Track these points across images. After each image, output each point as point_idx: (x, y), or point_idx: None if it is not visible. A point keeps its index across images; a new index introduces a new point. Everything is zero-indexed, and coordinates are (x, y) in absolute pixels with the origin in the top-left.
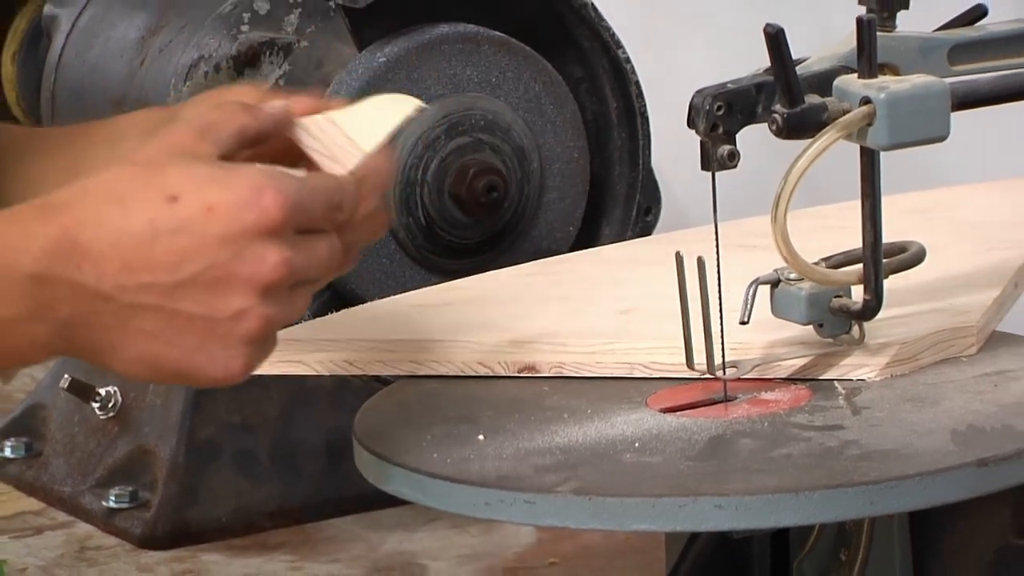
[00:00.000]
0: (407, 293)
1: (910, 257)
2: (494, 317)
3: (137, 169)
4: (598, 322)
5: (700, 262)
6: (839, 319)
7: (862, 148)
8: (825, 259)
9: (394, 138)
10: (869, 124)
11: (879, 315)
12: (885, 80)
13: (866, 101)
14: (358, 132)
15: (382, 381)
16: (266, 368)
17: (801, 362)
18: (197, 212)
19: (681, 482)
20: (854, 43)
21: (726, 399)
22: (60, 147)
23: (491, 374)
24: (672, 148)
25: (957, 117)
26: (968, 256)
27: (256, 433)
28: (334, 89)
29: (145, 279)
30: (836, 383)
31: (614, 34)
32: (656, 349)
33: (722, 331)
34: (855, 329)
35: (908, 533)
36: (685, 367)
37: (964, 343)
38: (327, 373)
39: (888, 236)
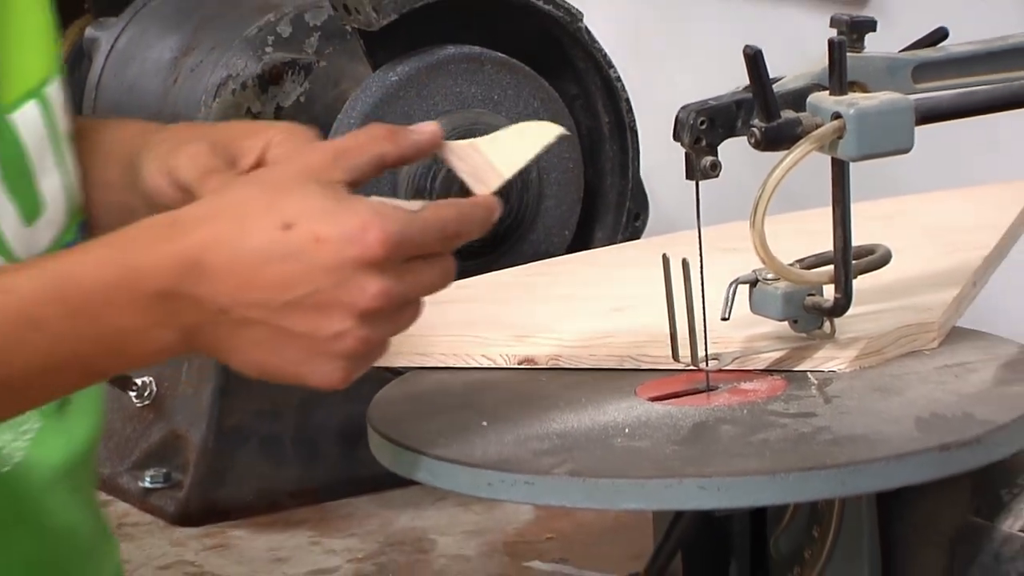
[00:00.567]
0: None
1: (877, 259)
2: (496, 313)
3: (262, 192)
4: (592, 318)
5: (685, 263)
6: (812, 315)
7: (833, 159)
8: (799, 260)
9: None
10: (840, 137)
11: (848, 312)
12: (854, 97)
13: (837, 116)
14: (499, 158)
15: (394, 372)
16: None
17: (777, 355)
18: (307, 242)
19: (667, 465)
20: (826, 63)
21: (708, 389)
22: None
23: (493, 365)
24: (659, 159)
25: (920, 130)
26: (930, 258)
27: (279, 420)
28: (350, 105)
29: (256, 297)
30: (809, 374)
31: (606, 55)
32: (645, 343)
33: (705, 326)
34: (827, 325)
35: (875, 512)
36: (671, 359)
37: (927, 337)
38: None
39: (857, 240)
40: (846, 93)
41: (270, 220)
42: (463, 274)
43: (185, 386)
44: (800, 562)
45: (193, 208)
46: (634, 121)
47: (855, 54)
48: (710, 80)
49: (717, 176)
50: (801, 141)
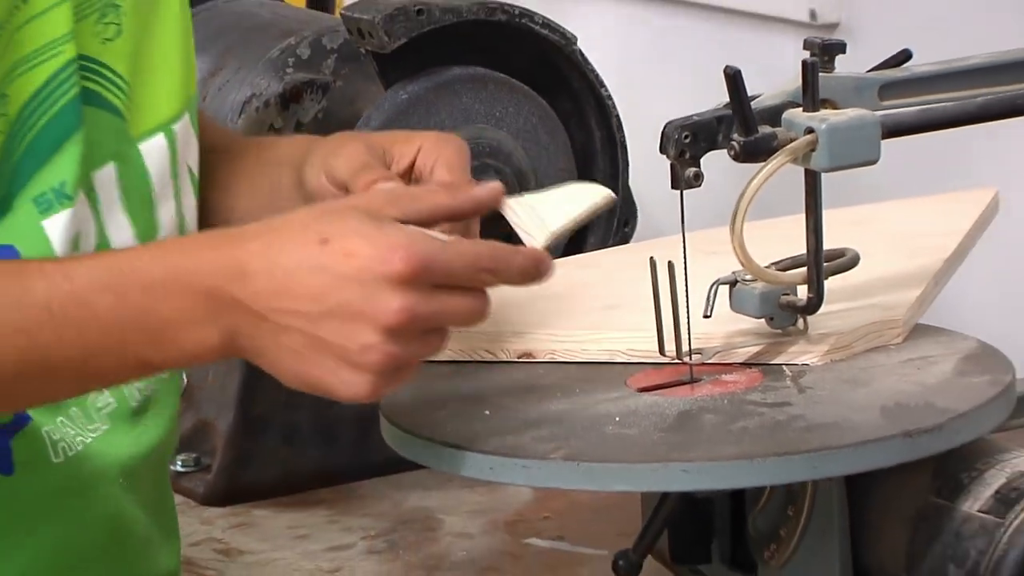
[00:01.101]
0: None
1: (846, 261)
2: (498, 311)
3: (309, 214)
4: (585, 316)
5: (670, 266)
6: (787, 313)
7: (806, 170)
8: (775, 263)
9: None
10: (812, 150)
11: (820, 310)
12: (825, 113)
13: (810, 131)
14: (550, 214)
15: None
16: None
17: (755, 349)
18: (339, 256)
19: (654, 450)
20: (799, 82)
21: (692, 380)
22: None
23: (495, 359)
24: (647, 171)
25: (886, 143)
26: (895, 260)
27: (299, 410)
28: (364, 121)
29: (290, 305)
30: (784, 367)
31: (598, 76)
32: (634, 338)
33: (688, 323)
34: (800, 322)
35: (845, 493)
36: (658, 353)
37: (892, 333)
38: None
39: (828, 244)
40: (818, 110)
41: (309, 235)
42: None
43: (213, 379)
44: (776, 539)
45: (252, 225)
46: (623, 136)
47: (826, 74)
48: (693, 98)
49: (700, 186)
50: (777, 154)
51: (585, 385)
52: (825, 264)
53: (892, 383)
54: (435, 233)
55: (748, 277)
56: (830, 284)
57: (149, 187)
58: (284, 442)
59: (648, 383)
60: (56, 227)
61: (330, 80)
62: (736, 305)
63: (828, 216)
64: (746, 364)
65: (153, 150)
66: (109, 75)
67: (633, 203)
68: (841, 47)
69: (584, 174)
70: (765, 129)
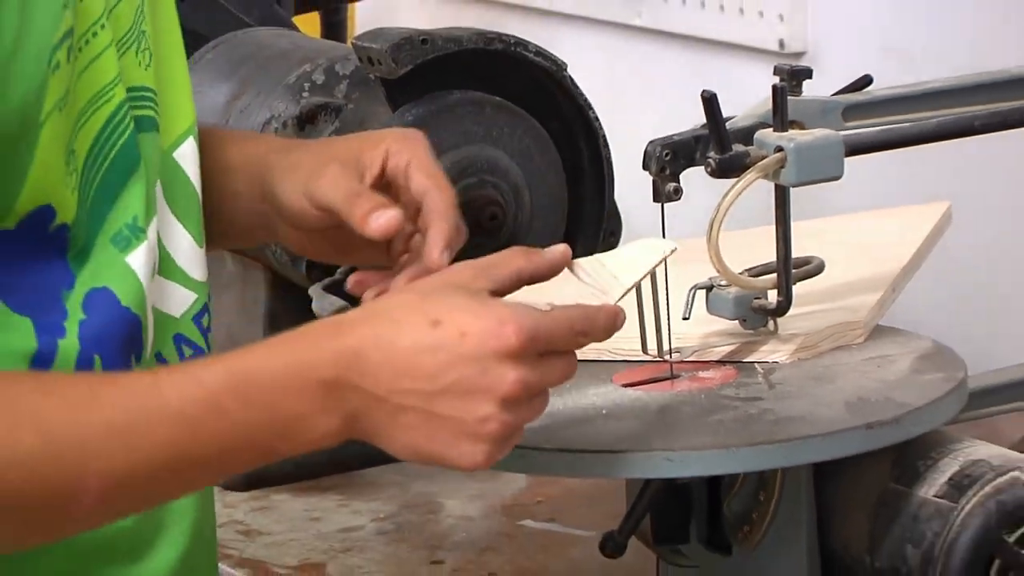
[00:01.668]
0: None
1: (812, 268)
2: None
3: (415, 298)
4: None
5: (652, 272)
6: (758, 316)
7: (776, 185)
8: (748, 270)
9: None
10: (782, 167)
11: (789, 313)
12: (794, 133)
13: (779, 149)
14: (621, 270)
15: None
16: None
17: (729, 348)
18: (453, 335)
19: (638, 440)
20: (770, 105)
21: (672, 377)
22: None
23: None
24: (631, 185)
25: (849, 160)
26: (856, 268)
27: None
28: None
29: (410, 386)
30: (756, 365)
31: (586, 99)
32: (619, 338)
33: (669, 324)
34: (771, 323)
35: (811, 480)
36: (641, 352)
37: (854, 334)
38: None
39: (795, 252)
40: (787, 130)
41: (421, 318)
42: None
43: None
44: (749, 522)
45: (353, 312)
46: (609, 154)
47: (794, 98)
48: (673, 119)
49: (679, 199)
50: (749, 170)
51: (575, 381)
52: (793, 271)
53: (854, 379)
54: (530, 303)
55: (723, 283)
56: (798, 289)
57: (193, 191)
58: None
59: (632, 379)
60: (138, 261)
61: (343, 103)
62: (712, 308)
63: (796, 227)
64: (721, 362)
65: (187, 155)
66: (149, 96)
67: (618, 215)
68: (808, 73)
69: (573, 189)
70: (739, 148)
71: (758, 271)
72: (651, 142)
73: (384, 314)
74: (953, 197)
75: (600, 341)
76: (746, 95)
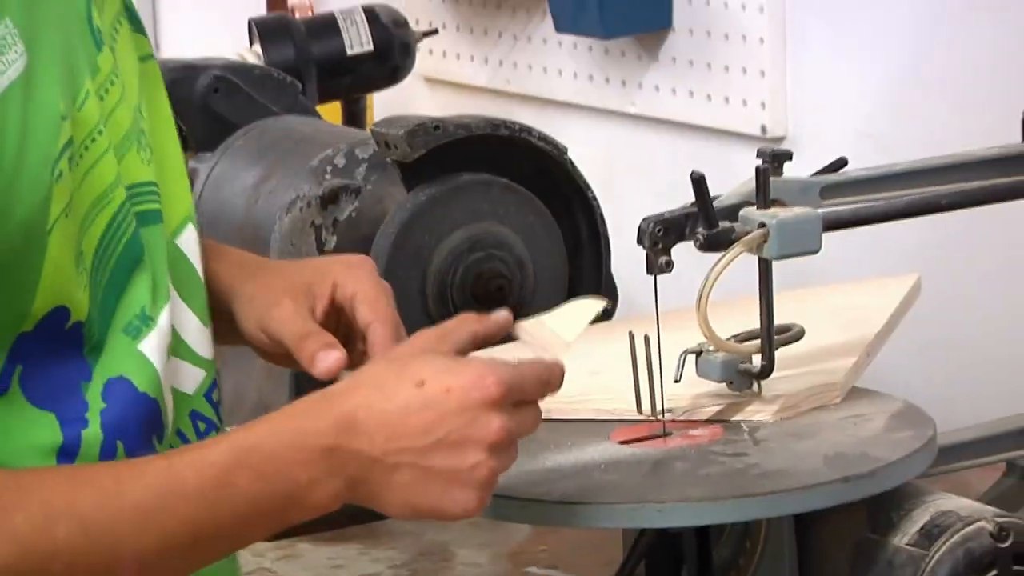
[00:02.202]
0: None
1: (793, 335)
2: None
3: (391, 364)
4: (574, 380)
5: (646, 339)
6: (744, 378)
7: (760, 258)
8: (734, 336)
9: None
10: (765, 241)
11: (772, 376)
12: (776, 210)
13: (762, 225)
14: (561, 329)
15: None
16: None
17: (717, 408)
18: (439, 393)
19: (633, 493)
20: (754, 185)
21: (665, 434)
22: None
23: None
24: (626, 258)
25: (826, 235)
26: (834, 334)
27: None
28: (390, 219)
29: (403, 444)
30: (742, 423)
31: (585, 180)
32: (616, 399)
33: (661, 386)
34: (755, 385)
35: (793, 529)
36: (636, 412)
37: (832, 395)
38: None
39: (777, 320)
40: (769, 208)
41: (407, 381)
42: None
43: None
44: (736, 567)
45: (340, 384)
46: (606, 230)
47: (776, 178)
48: (665, 198)
49: (671, 271)
50: (735, 244)
51: (575, 439)
52: (776, 337)
53: (832, 436)
54: (501, 359)
55: (711, 348)
56: (780, 354)
57: (196, 275)
58: None
59: (628, 437)
60: (150, 348)
61: (362, 185)
62: (701, 371)
63: (778, 296)
64: (710, 421)
65: (188, 241)
66: (150, 189)
67: (614, 286)
68: (788, 156)
69: (573, 262)
70: (725, 224)
71: (743, 337)
72: (645, 219)
73: (371, 382)
74: (921, 269)
75: (553, 393)
76: (732, 176)
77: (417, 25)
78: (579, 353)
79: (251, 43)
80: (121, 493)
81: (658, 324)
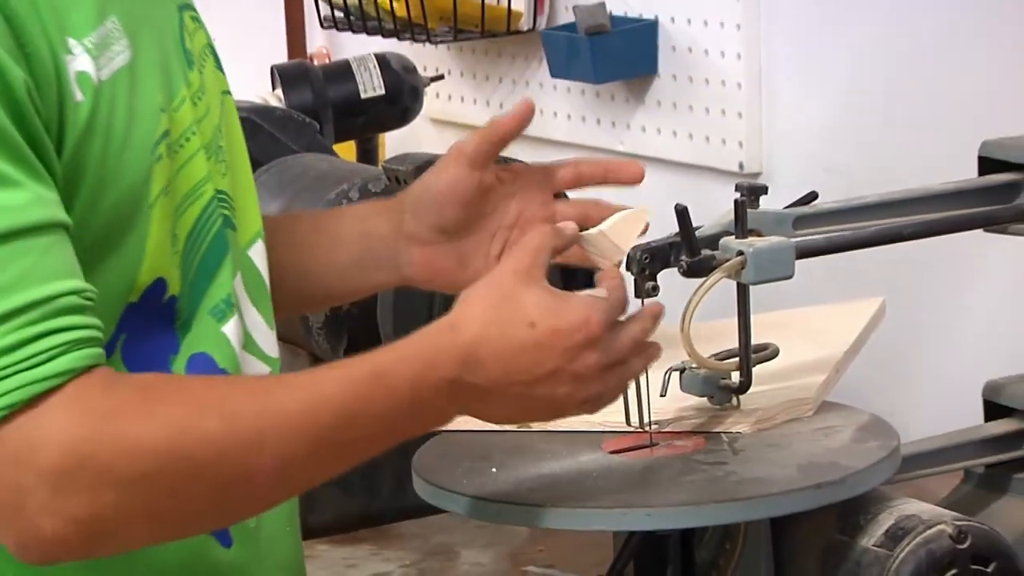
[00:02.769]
0: None
1: (769, 353)
2: None
3: (501, 295)
4: None
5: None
6: (724, 393)
7: (738, 284)
8: (715, 355)
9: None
10: (742, 268)
11: (750, 390)
12: (752, 239)
13: (740, 253)
14: (618, 238)
15: (432, 432)
16: None
17: (699, 421)
18: (548, 334)
19: (622, 499)
20: (732, 216)
21: (652, 445)
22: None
23: (501, 429)
24: None
25: (799, 263)
26: (806, 353)
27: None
28: None
29: (514, 378)
30: (722, 434)
31: None
32: (607, 412)
33: (649, 400)
34: (734, 399)
35: (769, 532)
36: (626, 424)
37: (804, 408)
38: None
39: (755, 340)
40: (747, 237)
41: (520, 321)
42: None
43: None
44: (717, 568)
45: (462, 315)
46: None
47: (753, 210)
48: (651, 228)
49: (656, 295)
50: (715, 271)
51: (569, 448)
52: (753, 355)
53: (805, 446)
54: (595, 293)
55: (694, 365)
56: (757, 371)
57: (263, 283)
58: (339, 491)
59: (618, 447)
60: (231, 331)
61: None
62: (685, 387)
63: (755, 318)
64: (693, 432)
65: (257, 253)
66: (227, 200)
67: None
68: (764, 190)
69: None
70: (706, 252)
71: (724, 356)
72: (633, 248)
73: (488, 317)
74: (885, 293)
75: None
76: (712, 208)
77: (425, 71)
78: None
79: (273, 87)
80: (270, 398)
81: None
